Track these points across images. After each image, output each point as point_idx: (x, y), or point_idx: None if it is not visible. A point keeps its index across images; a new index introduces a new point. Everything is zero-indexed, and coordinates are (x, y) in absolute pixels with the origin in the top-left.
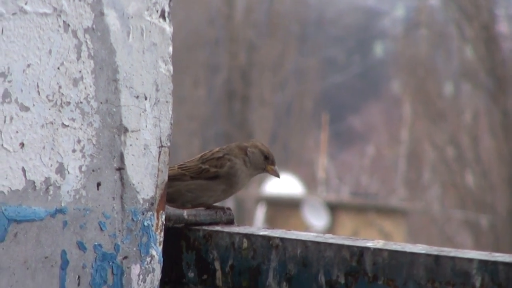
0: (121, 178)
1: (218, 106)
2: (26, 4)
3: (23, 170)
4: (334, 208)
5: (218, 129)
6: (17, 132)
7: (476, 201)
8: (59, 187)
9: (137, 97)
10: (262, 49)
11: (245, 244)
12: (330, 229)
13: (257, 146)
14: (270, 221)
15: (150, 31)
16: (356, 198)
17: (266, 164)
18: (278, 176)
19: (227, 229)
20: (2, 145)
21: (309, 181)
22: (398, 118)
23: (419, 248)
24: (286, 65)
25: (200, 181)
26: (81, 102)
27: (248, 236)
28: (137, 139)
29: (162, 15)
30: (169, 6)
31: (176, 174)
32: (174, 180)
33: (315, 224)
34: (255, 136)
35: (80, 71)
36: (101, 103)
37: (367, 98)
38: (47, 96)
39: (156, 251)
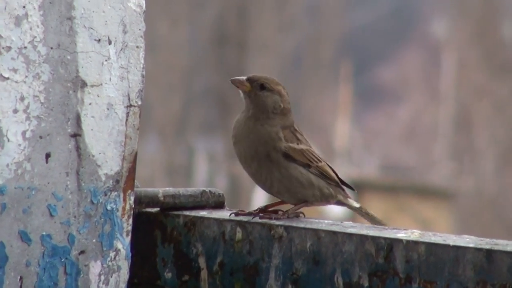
0: (77, 148)
1: (205, 53)
2: None
3: None
4: (357, 187)
5: (205, 82)
6: None
7: None
8: None
9: (99, 40)
10: None
11: (238, 235)
12: (352, 215)
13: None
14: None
15: None
16: (386, 174)
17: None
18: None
19: (215, 214)
20: None
21: (326, 152)
22: (441, 69)
23: (466, 241)
24: None
25: None
26: (25, 47)
27: (242, 224)
28: (98, 96)
29: None
30: None
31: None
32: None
33: (331, 208)
34: None
35: (24, 6)
36: (51, 48)
37: (400, 43)
38: None
39: (123, 244)
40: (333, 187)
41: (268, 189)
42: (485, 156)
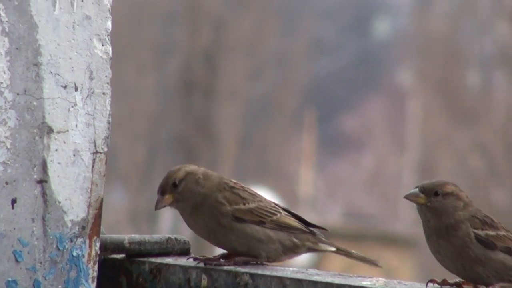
0: (43, 194)
1: (172, 100)
2: None
3: None
4: None
5: (172, 130)
6: None
7: (510, 226)
8: None
9: (65, 87)
10: (232, 26)
11: (204, 282)
12: (316, 263)
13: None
14: None
15: (82, 1)
16: (350, 221)
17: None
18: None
19: (181, 261)
20: None
21: (290, 199)
22: (405, 118)
23: None
24: (263, 47)
25: None
26: None
27: (208, 271)
28: (64, 142)
29: None
30: None
31: None
32: None
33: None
34: (221, 139)
35: None
36: (17, 94)
37: (365, 91)
38: None
39: None
40: (298, 236)
41: (233, 252)
42: None
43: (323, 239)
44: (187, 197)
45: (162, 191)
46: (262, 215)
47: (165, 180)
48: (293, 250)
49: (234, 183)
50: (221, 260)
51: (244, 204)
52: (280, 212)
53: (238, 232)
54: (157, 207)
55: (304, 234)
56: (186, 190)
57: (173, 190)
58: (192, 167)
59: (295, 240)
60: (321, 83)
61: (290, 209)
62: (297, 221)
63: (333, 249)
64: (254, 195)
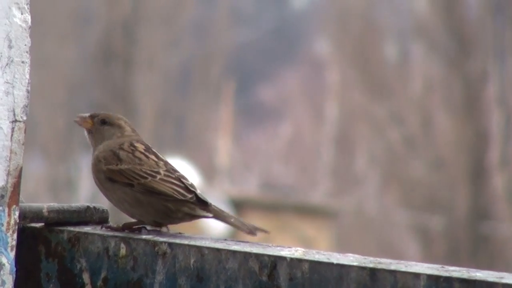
0: None
1: (91, 70)
2: None
3: None
4: (239, 205)
5: (91, 99)
6: None
7: (427, 198)
8: None
9: None
10: None
11: (123, 251)
12: (234, 233)
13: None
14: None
15: None
16: (267, 192)
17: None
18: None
19: (99, 230)
20: None
21: (208, 170)
22: (323, 89)
23: (350, 259)
24: (181, 17)
25: None
26: None
27: (126, 240)
28: None
29: None
30: None
31: None
32: None
33: (214, 227)
34: (139, 109)
35: None
36: None
37: (282, 62)
38: None
39: (7, 258)
40: (172, 202)
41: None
42: (365, 177)
43: (211, 206)
44: (97, 138)
45: (92, 115)
46: (131, 178)
47: (103, 112)
48: (168, 214)
49: (129, 145)
50: (113, 225)
51: (116, 165)
52: (153, 176)
53: (111, 193)
54: (77, 117)
55: (180, 201)
56: (102, 133)
57: (97, 122)
58: (126, 130)
59: (169, 205)
60: (238, 53)
61: (208, 180)
62: (179, 188)
63: (211, 215)
64: (138, 158)
